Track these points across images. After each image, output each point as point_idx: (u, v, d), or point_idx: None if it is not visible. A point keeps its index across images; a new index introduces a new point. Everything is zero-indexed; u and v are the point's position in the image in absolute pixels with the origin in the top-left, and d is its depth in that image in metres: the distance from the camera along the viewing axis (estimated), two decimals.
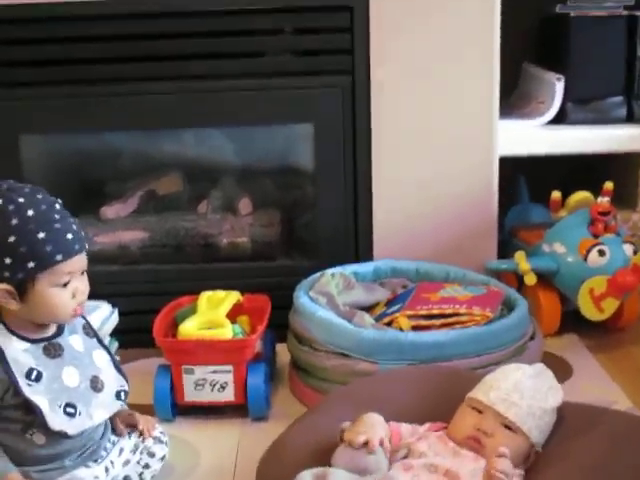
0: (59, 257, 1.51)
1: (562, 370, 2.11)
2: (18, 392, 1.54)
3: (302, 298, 2.07)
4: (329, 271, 2.17)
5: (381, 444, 1.51)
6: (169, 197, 2.60)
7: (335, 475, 1.42)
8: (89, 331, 1.68)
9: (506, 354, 1.91)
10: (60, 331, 1.62)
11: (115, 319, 2.28)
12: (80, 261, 1.56)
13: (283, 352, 2.20)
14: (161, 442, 1.74)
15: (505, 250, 2.51)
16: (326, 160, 2.33)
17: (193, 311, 2.06)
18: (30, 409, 1.55)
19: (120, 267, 2.47)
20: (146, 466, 1.71)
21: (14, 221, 1.50)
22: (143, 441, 1.72)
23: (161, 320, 2.04)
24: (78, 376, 1.61)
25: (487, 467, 1.38)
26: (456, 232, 2.37)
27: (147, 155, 2.60)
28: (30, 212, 1.51)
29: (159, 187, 2.61)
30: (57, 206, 1.56)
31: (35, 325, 1.59)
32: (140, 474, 1.70)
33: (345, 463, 1.49)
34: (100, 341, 1.69)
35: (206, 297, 2.09)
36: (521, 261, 2.33)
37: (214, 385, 1.95)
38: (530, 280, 2.33)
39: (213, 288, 2.14)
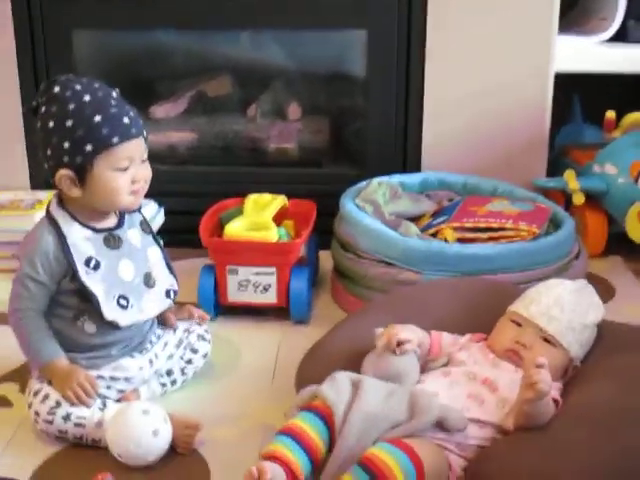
0: (115, 139, 1.53)
1: (605, 291, 2.10)
2: (76, 278, 1.58)
3: (348, 205, 2.07)
4: (376, 180, 2.17)
5: (414, 347, 1.53)
6: (219, 99, 2.59)
7: (369, 382, 1.44)
8: (146, 227, 1.71)
9: (550, 271, 1.91)
10: (121, 223, 1.65)
11: (161, 218, 2.31)
12: (138, 146, 1.57)
13: (325, 259, 2.21)
14: (204, 340, 1.77)
15: (554, 169, 2.48)
16: (378, 68, 2.30)
17: (239, 213, 2.07)
18: (85, 297, 1.59)
19: (168, 167, 2.48)
20: (189, 362, 1.75)
21: (71, 106, 1.53)
22: (188, 337, 1.75)
23: (207, 220, 2.06)
24: (133, 270, 1.64)
25: (525, 376, 1.39)
26: (506, 147, 2.35)
27: (198, 56, 2.58)
28: (87, 97, 1.53)
29: (209, 89, 2.60)
30: (114, 94, 1.58)
31: (97, 214, 1.62)
32: (182, 369, 1.74)
33: (374, 370, 1.51)
34: (155, 238, 1.72)
35: (252, 200, 2.10)
36: (570, 180, 2.31)
37: (257, 286, 1.97)
38: (578, 200, 2.30)
39: (259, 192, 2.15)
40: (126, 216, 1.67)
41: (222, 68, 2.60)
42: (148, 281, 1.66)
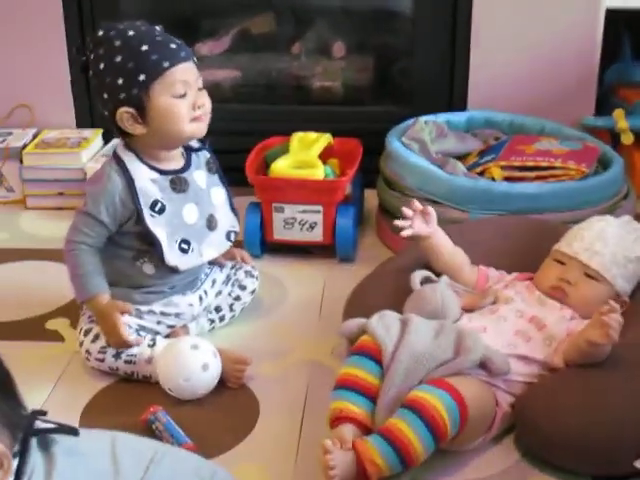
0: (166, 64, 1.53)
1: None
2: (141, 222, 1.58)
3: (395, 143, 2.05)
4: (422, 118, 2.15)
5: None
6: (263, 37, 2.57)
7: (417, 321, 1.45)
8: (212, 166, 1.71)
9: (598, 211, 1.88)
10: (188, 165, 1.65)
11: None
12: (191, 70, 1.57)
13: (370, 197, 2.21)
14: (252, 276, 1.79)
15: (602, 108, 2.44)
16: (425, 4, 2.27)
17: (284, 151, 2.06)
18: (147, 240, 1.59)
19: (212, 105, 2.46)
20: (237, 298, 1.76)
21: (117, 42, 1.54)
22: (235, 274, 1.76)
23: (253, 158, 2.06)
24: (197, 213, 1.64)
25: (597, 317, 1.38)
26: (554, 85, 2.31)
27: None
28: (131, 32, 1.55)
29: (253, 26, 2.57)
30: (157, 28, 1.59)
31: (164, 155, 1.61)
32: (231, 305, 1.76)
33: (414, 307, 1.52)
34: (221, 178, 1.72)
35: (298, 138, 2.09)
36: (620, 119, 2.27)
37: (303, 224, 1.97)
38: (627, 139, 2.27)
39: (303, 130, 2.13)
40: (193, 156, 1.66)
41: (266, 5, 2.57)
42: (210, 224, 1.66)
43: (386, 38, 2.54)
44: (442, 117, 2.21)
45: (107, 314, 1.57)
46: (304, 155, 2.02)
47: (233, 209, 1.72)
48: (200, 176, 1.67)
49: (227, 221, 1.70)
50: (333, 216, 1.96)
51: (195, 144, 1.68)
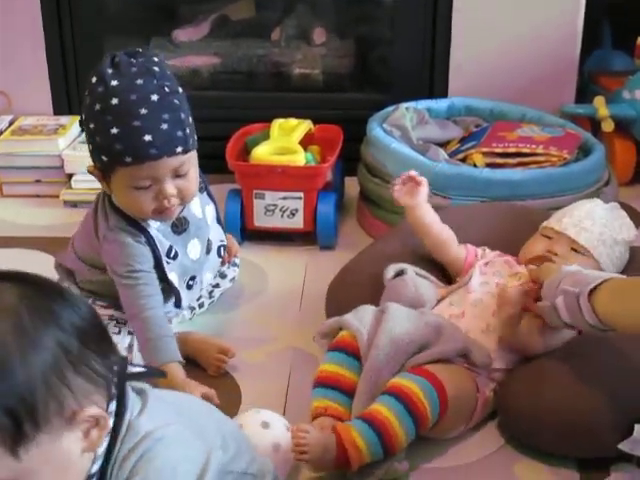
0: (128, 159, 1.38)
1: (632, 219, 2.08)
2: (160, 269, 1.49)
3: (376, 130, 2.04)
4: (403, 105, 2.13)
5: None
6: (242, 23, 2.55)
7: (394, 307, 1.44)
8: (201, 186, 1.57)
9: (580, 197, 1.88)
10: None
11: None
12: (161, 167, 1.39)
13: (350, 185, 2.20)
14: (234, 265, 1.77)
15: (582, 96, 2.44)
16: None
17: (264, 138, 2.05)
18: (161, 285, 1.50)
19: (191, 92, 2.39)
20: (216, 285, 1.74)
21: (97, 107, 1.39)
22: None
23: (233, 145, 2.04)
24: (199, 246, 1.57)
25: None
26: (534, 73, 2.30)
27: None
28: (114, 101, 1.37)
29: (232, 12, 2.55)
30: (154, 97, 1.38)
31: None
32: (210, 292, 1.74)
33: (393, 295, 1.52)
34: (210, 194, 1.62)
35: (278, 124, 2.08)
36: (600, 106, 2.27)
37: (284, 211, 1.95)
38: (608, 126, 2.27)
39: (283, 117, 2.11)
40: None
41: None
42: (208, 248, 1.60)
43: (367, 25, 2.53)
44: (423, 104, 2.20)
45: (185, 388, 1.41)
46: (285, 141, 2.00)
47: (219, 221, 1.65)
48: (195, 204, 1.56)
49: (217, 236, 1.64)
50: (314, 203, 1.95)
51: None
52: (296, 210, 1.95)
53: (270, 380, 1.54)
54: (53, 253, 1.76)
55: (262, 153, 1.96)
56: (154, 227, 1.50)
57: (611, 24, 2.68)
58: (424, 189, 1.61)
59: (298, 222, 1.96)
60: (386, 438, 1.28)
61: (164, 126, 1.37)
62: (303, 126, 2.07)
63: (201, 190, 1.57)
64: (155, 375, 0.98)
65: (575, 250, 1.54)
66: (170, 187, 1.42)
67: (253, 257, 1.95)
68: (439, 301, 1.55)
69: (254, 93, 2.45)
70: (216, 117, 2.36)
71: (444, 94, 2.31)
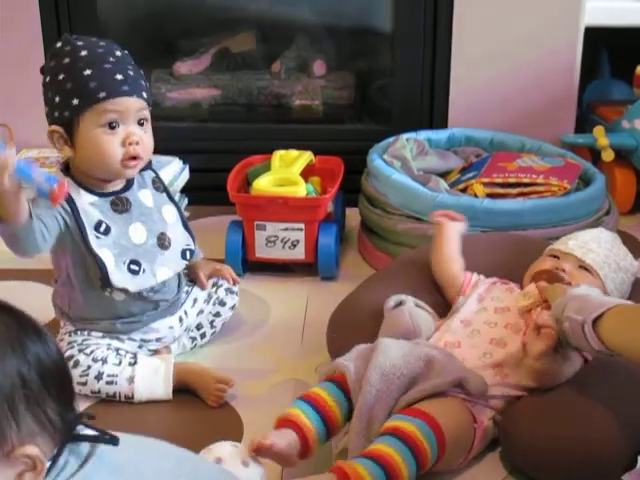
0: (102, 94, 1.49)
1: (633, 249, 2.07)
2: (86, 244, 1.53)
3: (376, 161, 2.05)
4: (404, 135, 2.14)
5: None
6: (242, 55, 2.56)
7: (384, 342, 1.44)
8: (159, 185, 1.66)
9: (581, 227, 1.88)
10: (129, 185, 1.60)
11: (186, 175, 2.29)
12: (131, 105, 1.51)
13: (351, 216, 2.20)
14: (232, 292, 1.77)
15: (581, 125, 2.45)
16: (405, 22, 2.27)
17: (265, 169, 2.05)
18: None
19: (192, 124, 2.46)
20: (217, 314, 1.74)
21: (66, 60, 1.51)
22: (216, 292, 1.74)
23: (234, 176, 2.04)
24: (145, 232, 1.59)
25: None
26: (534, 103, 2.32)
27: (222, 11, 2.55)
28: (83, 52, 1.51)
29: (233, 45, 2.57)
30: (117, 53, 1.53)
31: (102, 179, 1.57)
32: (211, 322, 1.74)
33: (390, 328, 1.51)
34: (170, 196, 1.67)
35: (279, 155, 2.08)
36: (600, 136, 2.28)
37: (285, 242, 1.96)
38: (608, 156, 2.28)
39: (284, 149, 2.12)
40: (136, 176, 1.61)
41: (246, 24, 2.57)
42: (163, 242, 1.61)
43: (366, 56, 2.55)
44: (423, 135, 2.21)
45: None
46: (286, 173, 2.01)
47: (186, 227, 1.67)
48: (146, 195, 1.62)
49: (181, 239, 1.65)
50: (315, 234, 1.95)
51: None
52: (297, 241, 1.95)
53: (272, 412, 1.52)
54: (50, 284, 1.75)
55: (263, 185, 1.96)
56: (88, 201, 1.55)
57: (609, 54, 2.70)
58: (461, 223, 1.71)
59: (299, 253, 1.97)
60: (392, 475, 1.26)
61: (130, 72, 1.52)
62: (304, 157, 2.08)
63: (159, 190, 1.65)
64: (106, 442, 0.89)
65: (583, 267, 1.54)
66: (136, 129, 1.52)
67: (254, 288, 1.95)
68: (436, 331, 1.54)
69: (255, 125, 2.46)
70: (217, 149, 2.38)
71: (444, 125, 2.32)
